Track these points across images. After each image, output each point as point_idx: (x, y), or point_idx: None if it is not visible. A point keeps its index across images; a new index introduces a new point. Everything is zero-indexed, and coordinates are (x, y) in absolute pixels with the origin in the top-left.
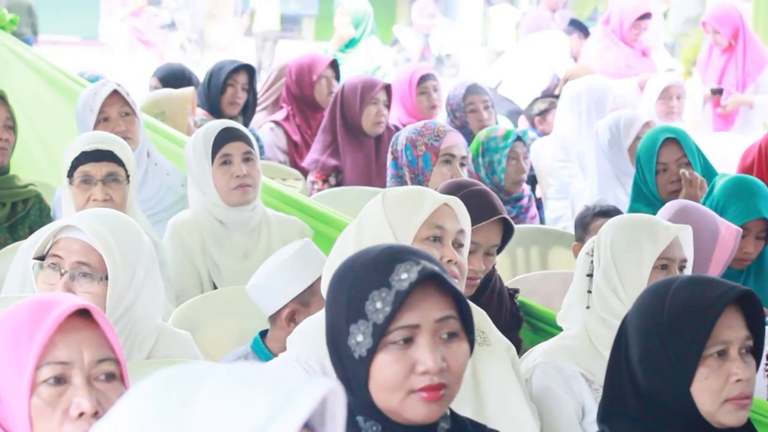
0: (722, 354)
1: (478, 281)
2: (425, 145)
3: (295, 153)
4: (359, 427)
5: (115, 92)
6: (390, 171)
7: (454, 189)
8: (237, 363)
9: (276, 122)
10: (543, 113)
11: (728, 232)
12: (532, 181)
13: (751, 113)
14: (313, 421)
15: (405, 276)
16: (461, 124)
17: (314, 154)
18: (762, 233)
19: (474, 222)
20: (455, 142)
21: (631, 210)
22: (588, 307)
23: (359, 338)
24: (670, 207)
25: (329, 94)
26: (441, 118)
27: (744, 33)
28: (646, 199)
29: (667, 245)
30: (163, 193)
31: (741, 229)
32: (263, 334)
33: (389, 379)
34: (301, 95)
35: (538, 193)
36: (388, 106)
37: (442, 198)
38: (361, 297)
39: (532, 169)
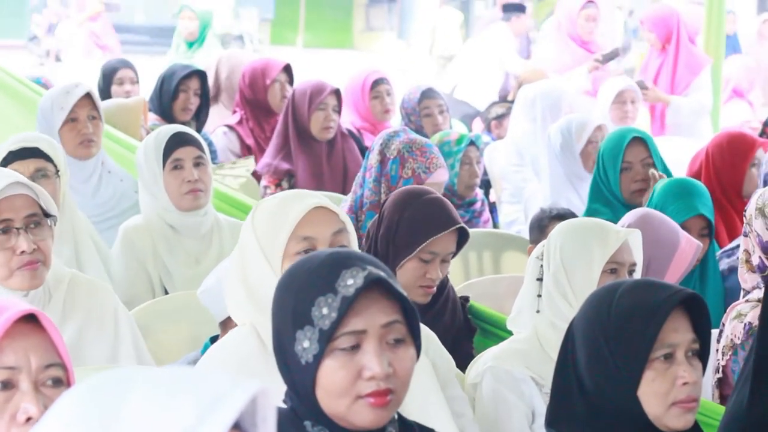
0: (669, 357)
1: (434, 289)
2: (412, 171)
3: None
4: None
5: (87, 95)
6: (371, 173)
7: (410, 198)
8: (169, 367)
9: (229, 126)
10: (500, 118)
11: (688, 245)
12: (486, 185)
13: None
14: (245, 422)
15: (351, 282)
16: (416, 128)
17: (267, 158)
18: (704, 230)
19: (432, 233)
20: (440, 180)
21: (589, 211)
22: (538, 311)
23: (305, 344)
24: (632, 214)
25: (282, 98)
26: (395, 122)
27: (677, 38)
28: (605, 199)
29: (617, 249)
30: (117, 200)
31: (701, 244)
32: (214, 339)
33: (336, 385)
34: (255, 99)
35: (492, 197)
36: (339, 111)
37: (312, 203)
38: (307, 303)
39: (485, 173)
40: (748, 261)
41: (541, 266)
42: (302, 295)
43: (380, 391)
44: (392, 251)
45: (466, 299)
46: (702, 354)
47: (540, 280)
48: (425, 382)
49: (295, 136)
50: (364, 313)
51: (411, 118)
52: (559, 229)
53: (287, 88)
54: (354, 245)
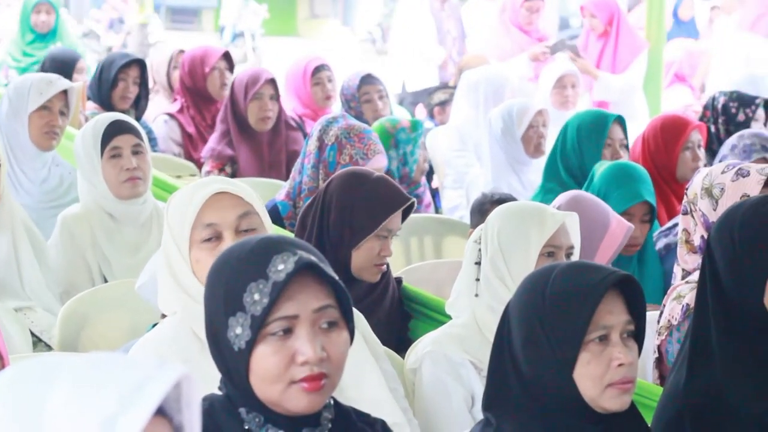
0: (603, 339)
1: (385, 267)
2: (350, 157)
3: (189, 145)
4: (242, 419)
5: (65, 91)
6: (309, 159)
7: (359, 179)
8: (93, 353)
9: (170, 114)
10: (443, 104)
11: (619, 226)
12: (429, 170)
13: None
14: (170, 408)
15: (282, 267)
16: (356, 114)
17: (211, 143)
18: (646, 216)
19: (391, 210)
20: (378, 166)
21: (543, 189)
22: (477, 295)
23: (238, 331)
24: (563, 196)
25: (222, 86)
26: (336, 108)
27: (619, 19)
28: (560, 179)
29: (554, 232)
30: (65, 189)
31: (632, 226)
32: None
33: (269, 371)
34: (195, 87)
35: (435, 182)
36: (277, 99)
37: (212, 189)
38: (238, 289)
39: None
40: (688, 241)
41: (479, 250)
42: (234, 281)
43: (314, 375)
44: (348, 234)
45: (399, 281)
46: (638, 335)
47: (478, 264)
48: (359, 354)
49: (235, 125)
50: (296, 298)
51: (351, 104)
52: (496, 213)
53: (227, 76)
54: (268, 227)
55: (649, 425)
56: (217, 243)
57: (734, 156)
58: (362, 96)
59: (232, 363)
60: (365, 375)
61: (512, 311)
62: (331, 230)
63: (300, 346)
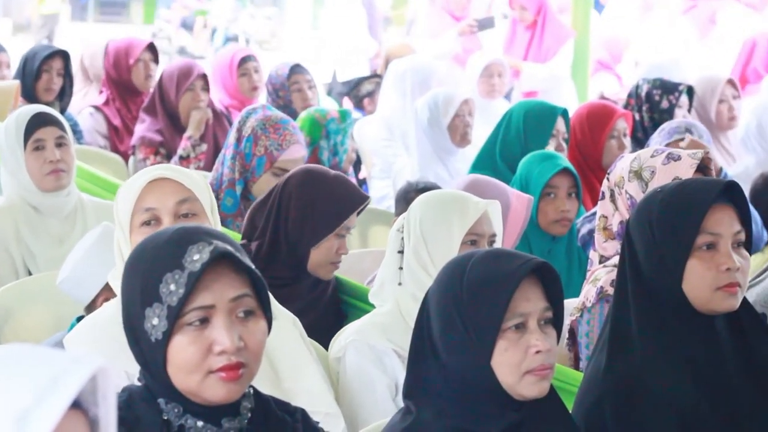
0: (521, 326)
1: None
2: (265, 148)
3: (115, 137)
4: (161, 410)
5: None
6: (229, 151)
7: (317, 177)
8: (8, 345)
9: (95, 107)
10: (371, 94)
11: (519, 202)
12: (356, 160)
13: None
14: (85, 401)
15: (197, 257)
16: (284, 103)
17: (140, 132)
18: (572, 189)
19: (352, 208)
20: (294, 157)
21: (472, 171)
22: (400, 284)
23: (155, 321)
24: (461, 181)
25: (147, 77)
26: (262, 98)
27: (545, 9)
28: (494, 167)
29: (476, 221)
30: None
31: (532, 198)
32: (80, 320)
33: (187, 361)
34: (120, 79)
35: (363, 173)
36: (207, 90)
37: (153, 175)
38: (154, 280)
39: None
40: (605, 228)
41: (402, 239)
42: (149, 272)
43: (231, 365)
44: (309, 232)
45: None
46: (556, 322)
47: (401, 252)
48: (296, 346)
49: (164, 117)
50: (212, 288)
51: (279, 94)
52: (418, 201)
53: (151, 67)
54: (210, 214)
55: (570, 410)
56: (156, 227)
57: (660, 137)
58: (292, 85)
59: (149, 354)
60: (302, 367)
61: (431, 299)
62: (290, 228)
63: (217, 335)
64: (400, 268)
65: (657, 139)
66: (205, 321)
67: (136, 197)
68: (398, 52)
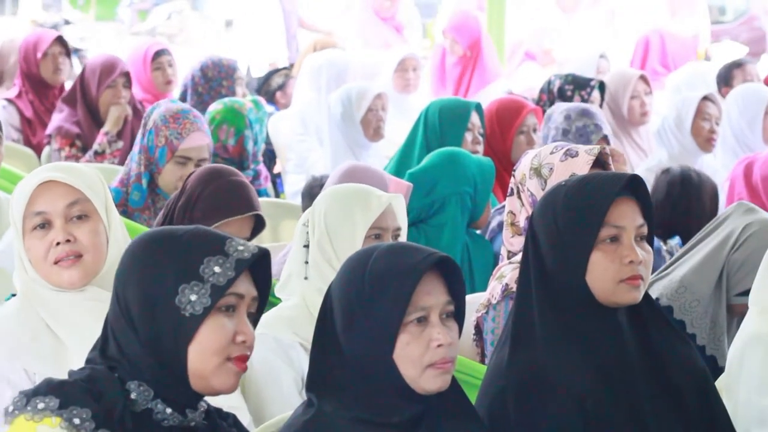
0: (423, 320)
1: None
2: (165, 138)
3: (28, 130)
4: (127, 390)
5: None
6: (137, 145)
7: (213, 176)
8: None
9: (8, 100)
10: (282, 87)
11: (398, 188)
12: (272, 155)
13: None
14: None
15: (242, 247)
16: (201, 99)
17: (57, 122)
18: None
19: (226, 215)
20: (197, 144)
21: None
22: (306, 278)
23: (192, 297)
24: (339, 171)
25: (56, 71)
26: (176, 93)
27: (480, 44)
28: (413, 163)
29: (380, 214)
30: None
31: (411, 185)
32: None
33: (217, 342)
34: (30, 72)
35: (278, 167)
36: (129, 87)
37: (40, 178)
38: (195, 260)
39: (269, 143)
40: (513, 223)
41: (308, 233)
42: (188, 253)
43: (246, 357)
44: (187, 225)
45: None
46: (457, 316)
47: (307, 246)
48: None
49: (84, 110)
50: (244, 280)
51: (199, 89)
52: (323, 196)
53: (60, 61)
54: (104, 213)
55: (474, 403)
56: (47, 230)
57: (569, 141)
58: (224, 81)
59: (172, 329)
60: None
61: (334, 292)
62: (176, 216)
63: (242, 326)
64: (306, 262)
65: (564, 141)
66: (232, 309)
67: (26, 201)
68: (320, 45)
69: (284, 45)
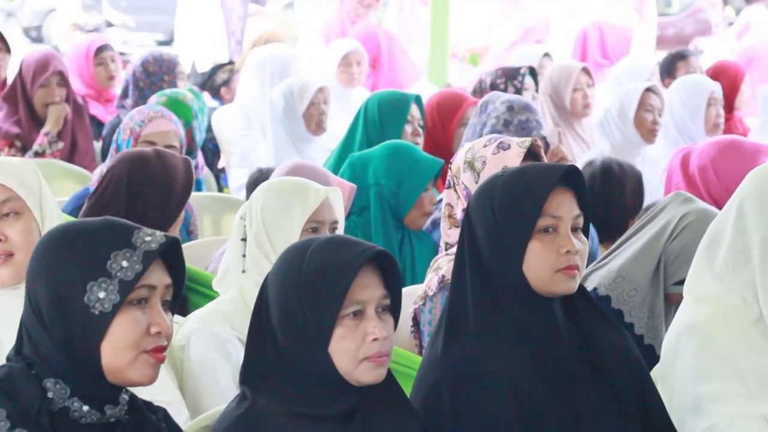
0: (359, 314)
1: None
2: (130, 130)
3: None
4: (43, 389)
5: None
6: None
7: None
8: None
9: None
10: (227, 83)
11: (342, 188)
12: (216, 149)
13: None
14: None
15: (149, 238)
16: (142, 95)
17: None
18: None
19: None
20: (160, 130)
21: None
22: (244, 271)
23: (101, 295)
24: (283, 166)
25: None
26: (118, 89)
27: (382, 56)
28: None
29: (317, 208)
30: None
31: (354, 186)
32: None
33: (130, 336)
34: None
35: (222, 162)
36: (66, 85)
37: None
38: (101, 256)
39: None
40: (451, 216)
41: (245, 226)
42: (94, 248)
43: (162, 347)
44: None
45: None
46: (393, 309)
47: (244, 240)
48: None
49: (24, 107)
50: (156, 270)
51: (140, 85)
52: (260, 189)
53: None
54: (38, 209)
55: (409, 394)
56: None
57: (510, 133)
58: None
59: (84, 327)
60: None
61: (270, 285)
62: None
63: (156, 317)
64: (243, 256)
65: (506, 133)
66: (144, 301)
67: None
68: (262, 40)
69: (224, 41)
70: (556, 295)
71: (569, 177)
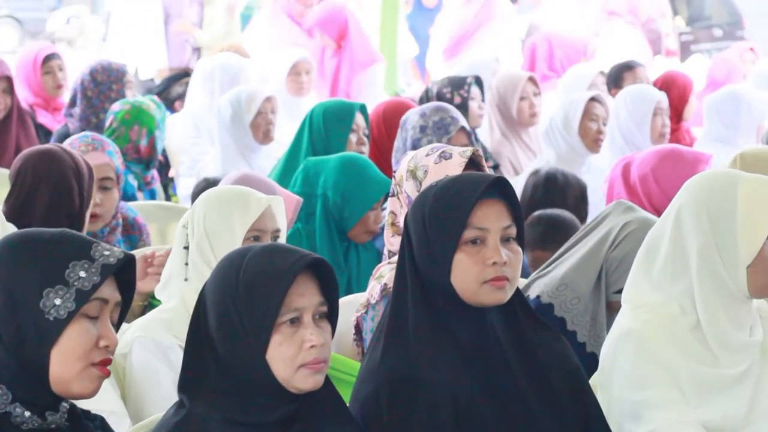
0: (296, 321)
1: None
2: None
3: None
4: None
5: None
6: None
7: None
8: None
9: None
10: (182, 96)
11: (289, 201)
12: (166, 158)
13: None
14: None
15: (108, 252)
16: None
17: None
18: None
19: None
20: (94, 163)
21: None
22: (186, 280)
23: (57, 301)
24: (231, 176)
25: None
26: (66, 97)
27: (350, 33)
28: (299, 165)
29: (259, 216)
30: None
31: (301, 199)
32: None
33: (80, 347)
34: None
35: (172, 171)
36: (11, 93)
37: None
38: (60, 264)
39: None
40: (394, 223)
41: (188, 235)
42: (52, 257)
43: (108, 361)
44: None
45: None
46: (330, 316)
47: (187, 248)
48: None
49: None
50: (110, 285)
51: (88, 93)
52: (202, 198)
53: None
54: None
55: (348, 401)
56: None
57: (428, 137)
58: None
59: (35, 332)
60: None
61: (208, 292)
62: None
63: (105, 330)
64: (186, 264)
65: (424, 138)
66: (96, 313)
67: None
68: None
69: (163, 49)
70: (486, 306)
71: (500, 187)
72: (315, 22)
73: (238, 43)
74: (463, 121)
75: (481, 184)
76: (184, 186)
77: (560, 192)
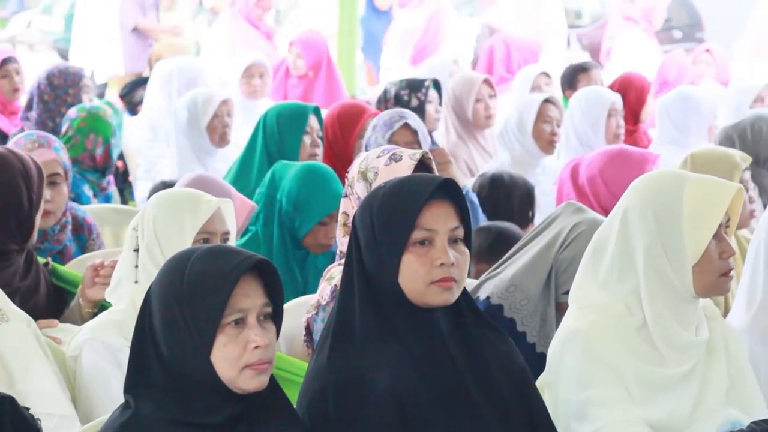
0: (240, 322)
1: None
2: None
3: None
4: None
5: None
6: None
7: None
8: None
9: None
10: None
11: (243, 206)
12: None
13: None
14: None
15: None
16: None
17: None
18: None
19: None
20: (40, 160)
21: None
22: (136, 282)
23: None
24: (186, 178)
25: None
26: (23, 100)
27: (326, 66)
28: (253, 167)
29: (208, 219)
30: None
31: (255, 205)
32: None
33: None
34: None
35: (131, 177)
36: None
37: None
38: None
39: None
40: (345, 224)
41: (138, 237)
42: None
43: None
44: None
45: (46, 264)
46: (275, 317)
47: (137, 251)
48: (28, 347)
49: None
50: None
51: (45, 97)
52: (152, 200)
53: None
54: None
55: (295, 402)
56: None
57: (376, 134)
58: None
59: None
60: (36, 368)
61: (154, 294)
62: None
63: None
64: (136, 266)
65: (372, 135)
66: None
67: None
68: (166, 52)
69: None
70: (433, 307)
71: (447, 189)
72: (297, 39)
73: (177, 43)
74: (411, 119)
75: (429, 185)
76: (141, 189)
77: (505, 192)
